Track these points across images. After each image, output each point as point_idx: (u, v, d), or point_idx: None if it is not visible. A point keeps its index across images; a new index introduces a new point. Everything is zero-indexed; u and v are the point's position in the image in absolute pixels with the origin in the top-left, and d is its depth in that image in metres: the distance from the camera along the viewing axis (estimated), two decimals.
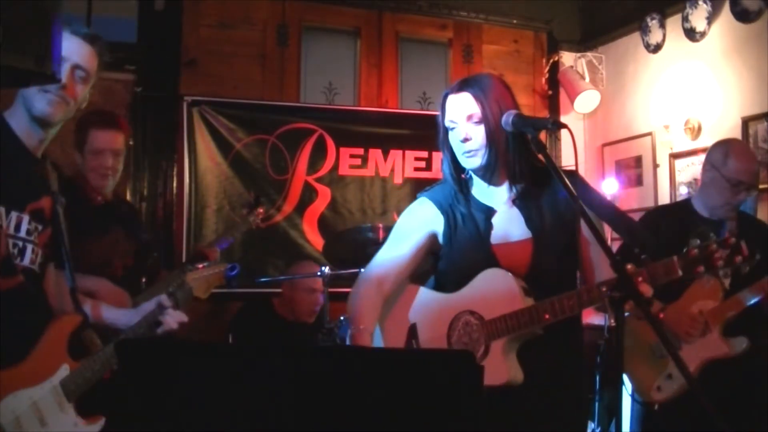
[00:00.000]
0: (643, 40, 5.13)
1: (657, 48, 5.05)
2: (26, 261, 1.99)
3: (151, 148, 4.66)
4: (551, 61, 5.59)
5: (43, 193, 2.07)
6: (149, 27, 4.69)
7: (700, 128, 4.69)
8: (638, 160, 5.19)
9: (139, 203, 4.60)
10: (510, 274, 2.07)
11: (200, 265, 2.47)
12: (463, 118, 2.10)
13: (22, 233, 1.97)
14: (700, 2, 4.64)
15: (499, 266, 2.10)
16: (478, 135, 2.08)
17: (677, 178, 4.85)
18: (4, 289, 1.92)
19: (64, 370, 2.04)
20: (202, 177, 4.67)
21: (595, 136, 5.62)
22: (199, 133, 4.67)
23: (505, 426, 1.99)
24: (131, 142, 4.62)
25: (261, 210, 3.96)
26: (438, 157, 5.11)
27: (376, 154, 5.05)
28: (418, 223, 2.26)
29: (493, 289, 2.07)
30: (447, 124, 2.15)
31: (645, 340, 3.04)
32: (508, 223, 2.15)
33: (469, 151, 2.10)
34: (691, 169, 4.74)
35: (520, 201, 2.16)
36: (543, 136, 5.03)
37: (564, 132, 1.94)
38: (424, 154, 5.13)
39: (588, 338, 3.42)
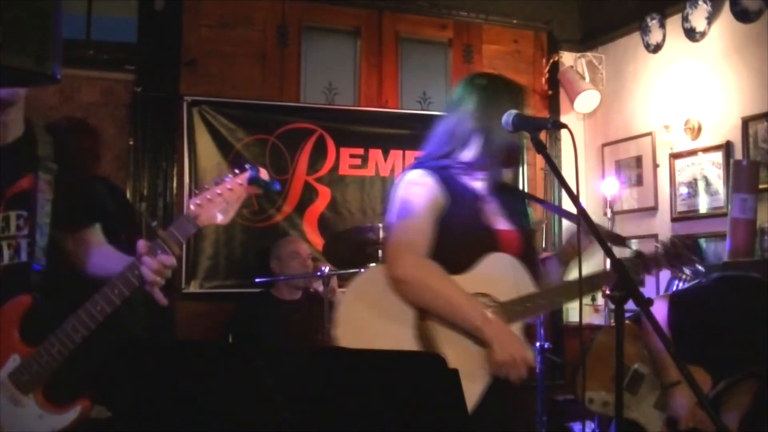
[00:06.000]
0: (643, 40, 5.13)
1: (657, 48, 5.05)
2: (5, 260, 1.90)
3: (151, 148, 4.65)
4: (551, 61, 5.59)
5: (25, 171, 1.93)
6: (149, 27, 4.69)
7: (700, 128, 4.69)
8: (638, 160, 5.19)
9: (139, 203, 4.60)
10: (517, 259, 2.09)
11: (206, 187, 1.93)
12: None
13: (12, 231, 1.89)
14: (700, 2, 4.64)
15: (501, 250, 2.10)
16: None
17: (677, 178, 4.84)
18: None
19: (13, 361, 1.84)
20: (202, 177, 4.66)
21: (595, 136, 5.61)
22: (199, 133, 4.67)
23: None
24: (131, 142, 4.64)
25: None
26: None
27: (376, 154, 5.05)
28: (432, 195, 2.09)
29: (503, 272, 2.07)
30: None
31: (625, 365, 2.87)
32: (494, 211, 2.18)
33: None
34: (691, 169, 4.74)
35: (493, 194, 2.20)
36: (543, 136, 5.02)
37: (564, 132, 1.94)
38: None
39: (588, 338, 3.43)
